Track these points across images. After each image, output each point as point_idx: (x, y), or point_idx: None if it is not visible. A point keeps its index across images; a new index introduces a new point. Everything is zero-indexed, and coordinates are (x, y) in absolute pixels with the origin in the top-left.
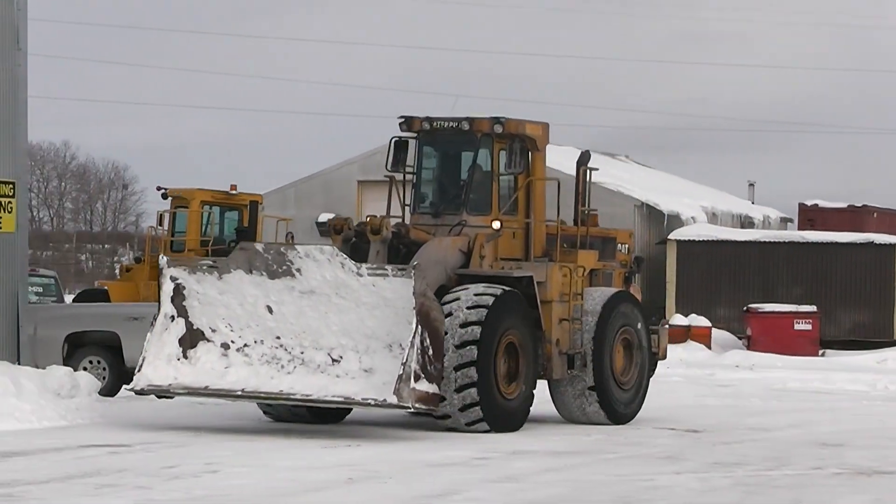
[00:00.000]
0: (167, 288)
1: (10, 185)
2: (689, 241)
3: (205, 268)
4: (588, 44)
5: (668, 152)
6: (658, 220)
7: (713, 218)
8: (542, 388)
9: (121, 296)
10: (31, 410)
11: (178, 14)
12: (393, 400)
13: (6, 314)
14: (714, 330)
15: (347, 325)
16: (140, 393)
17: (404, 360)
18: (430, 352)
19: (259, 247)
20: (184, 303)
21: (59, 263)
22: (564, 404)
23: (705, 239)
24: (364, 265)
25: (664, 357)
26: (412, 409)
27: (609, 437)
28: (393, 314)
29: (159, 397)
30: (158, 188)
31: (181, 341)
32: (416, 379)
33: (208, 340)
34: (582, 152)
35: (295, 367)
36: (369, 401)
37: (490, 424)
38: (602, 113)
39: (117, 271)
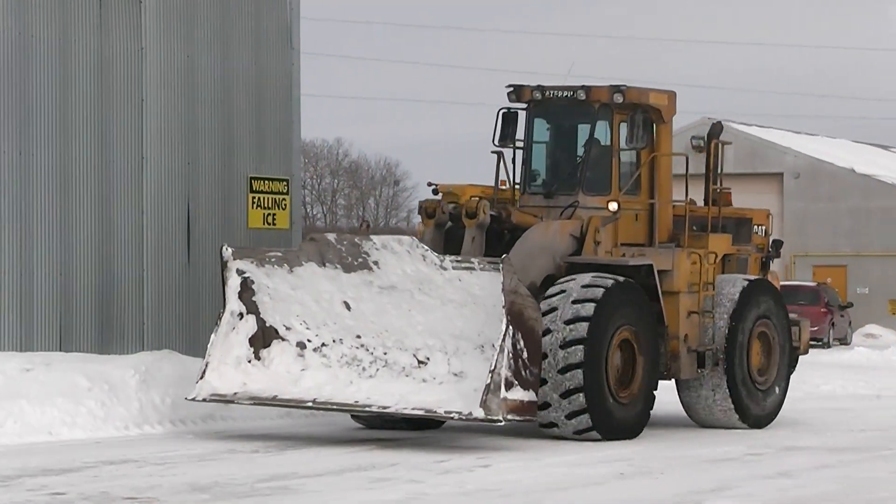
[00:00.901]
0: (233, 283)
1: (285, 182)
2: None
3: (273, 260)
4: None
5: None
6: None
7: None
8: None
9: None
10: None
11: (448, 11)
12: (480, 413)
13: None
14: None
15: (433, 324)
16: (202, 401)
17: (492, 367)
18: (525, 355)
19: (331, 237)
20: (253, 298)
21: None
22: (695, 407)
23: None
24: (448, 258)
25: (806, 352)
26: (502, 422)
27: (885, 432)
28: (483, 312)
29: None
30: (429, 184)
31: (252, 341)
32: (509, 387)
33: (283, 339)
34: (713, 123)
35: (378, 369)
36: (453, 414)
37: (601, 433)
38: (875, 105)
39: None
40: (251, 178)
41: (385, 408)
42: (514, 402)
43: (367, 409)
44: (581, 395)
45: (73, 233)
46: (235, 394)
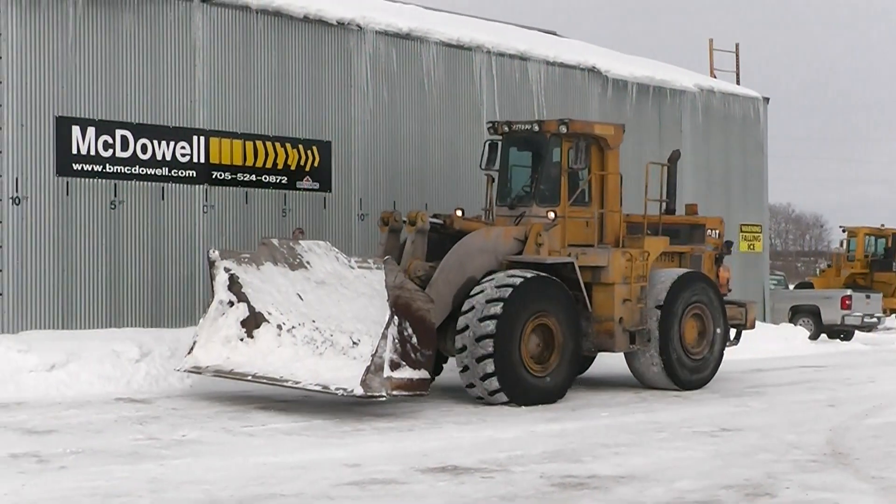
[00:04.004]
0: (221, 278)
1: (758, 226)
2: None
3: (246, 260)
4: None
5: None
6: None
7: None
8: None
9: (820, 285)
10: None
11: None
12: (360, 391)
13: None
14: None
15: (358, 312)
16: (184, 371)
17: (374, 352)
18: (414, 339)
19: (275, 242)
20: (242, 290)
21: (786, 269)
22: (636, 371)
23: None
24: (353, 258)
25: (752, 327)
26: (385, 398)
27: None
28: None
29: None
30: (840, 226)
31: (244, 323)
32: (395, 367)
33: (268, 322)
34: (673, 151)
35: (326, 348)
36: (339, 391)
37: (518, 402)
38: None
39: (818, 272)
40: (741, 225)
41: (297, 383)
42: (400, 381)
43: (284, 383)
44: (494, 378)
45: None
46: (207, 367)
